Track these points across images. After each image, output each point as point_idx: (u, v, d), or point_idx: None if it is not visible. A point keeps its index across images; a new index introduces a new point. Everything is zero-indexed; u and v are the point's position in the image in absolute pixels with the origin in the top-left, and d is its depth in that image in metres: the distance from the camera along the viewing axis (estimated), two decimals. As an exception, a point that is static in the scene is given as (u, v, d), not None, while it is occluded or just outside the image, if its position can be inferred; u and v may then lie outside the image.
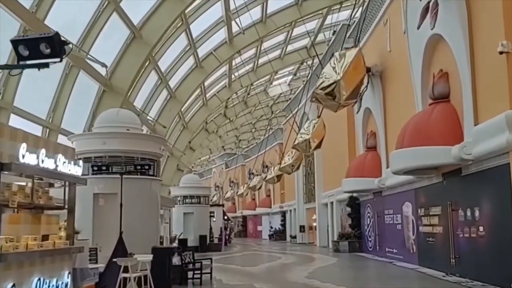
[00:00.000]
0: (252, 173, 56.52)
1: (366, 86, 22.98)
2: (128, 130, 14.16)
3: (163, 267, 13.14)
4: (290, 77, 47.24)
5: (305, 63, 40.93)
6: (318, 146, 24.05)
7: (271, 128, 54.42)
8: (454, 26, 14.00)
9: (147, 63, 21.98)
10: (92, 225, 13.36)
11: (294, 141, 24.67)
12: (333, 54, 15.34)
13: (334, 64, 14.57)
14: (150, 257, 12.28)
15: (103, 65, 16.78)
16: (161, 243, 23.19)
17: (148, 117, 26.09)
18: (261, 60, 37.24)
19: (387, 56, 22.46)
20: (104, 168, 13.49)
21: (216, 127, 49.91)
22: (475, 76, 13.32)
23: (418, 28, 16.62)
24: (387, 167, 21.72)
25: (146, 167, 13.32)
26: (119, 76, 19.88)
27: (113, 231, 13.26)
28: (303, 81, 39.68)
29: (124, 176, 13.12)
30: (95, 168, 13.49)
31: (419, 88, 17.49)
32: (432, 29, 15.46)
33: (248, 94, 45.93)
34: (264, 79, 42.43)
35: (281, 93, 50.10)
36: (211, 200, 68.54)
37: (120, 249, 13.05)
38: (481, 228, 13.21)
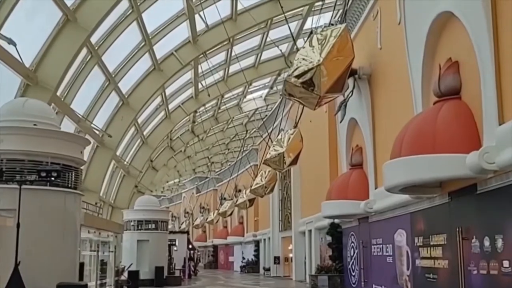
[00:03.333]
0: (224, 198, 54.49)
1: (352, 92, 20.60)
2: (35, 125, 10.98)
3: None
4: (266, 90, 44.65)
5: (282, 75, 38.84)
6: (294, 162, 21.17)
7: (245, 150, 52.10)
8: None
9: (84, 53, 19.42)
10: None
11: (265, 155, 21.78)
12: (311, 32, 12.41)
13: (314, 44, 11.68)
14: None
15: (10, 41, 13.56)
16: (103, 276, 19.98)
17: (92, 125, 23.02)
18: (232, 68, 34.66)
19: (377, 55, 19.99)
20: (-2, 174, 10.32)
21: (183, 145, 47.02)
22: (500, 62, 10.50)
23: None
24: (376, 188, 19.22)
25: (54, 174, 10.11)
26: (46, 69, 17.21)
27: (6, 260, 10.11)
28: (280, 95, 37.51)
29: (24, 186, 9.96)
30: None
31: (418, 86, 14.81)
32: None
33: (219, 108, 43.22)
34: (236, 91, 39.79)
35: (256, 109, 47.50)
36: (179, 227, 66.30)
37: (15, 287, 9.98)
38: (505, 263, 10.26)
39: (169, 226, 72.09)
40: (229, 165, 60.55)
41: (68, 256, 11.05)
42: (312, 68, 11.57)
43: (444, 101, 12.65)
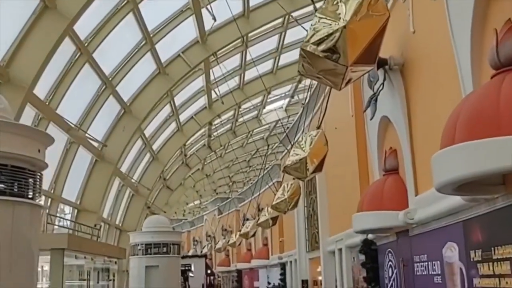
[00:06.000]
0: (247, 219, 52.30)
1: (382, 85, 18.19)
2: (-27, 114, 8.61)
3: None
4: (287, 100, 42.48)
5: (303, 82, 36.84)
6: (319, 168, 18.52)
7: (268, 166, 49.94)
8: None
9: (72, 50, 18.80)
10: None
11: (285, 162, 19.29)
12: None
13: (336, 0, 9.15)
14: None
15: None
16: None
17: (87, 135, 20.88)
18: (248, 75, 33.16)
19: (409, 40, 17.66)
20: None
21: (199, 162, 44.88)
22: None
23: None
24: (416, 195, 16.62)
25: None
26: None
27: None
28: (302, 104, 35.36)
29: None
30: None
31: (466, 66, 12.33)
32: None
33: (236, 120, 41.19)
34: (254, 101, 37.76)
35: (277, 121, 45.43)
36: (201, 251, 64.04)
37: None
38: None
39: (191, 251, 70.50)
40: (251, 183, 58.48)
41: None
42: (335, 31, 9.05)
43: (506, 72, 10.08)
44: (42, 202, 9.66)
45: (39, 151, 9.29)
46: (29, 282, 8.77)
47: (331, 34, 9.11)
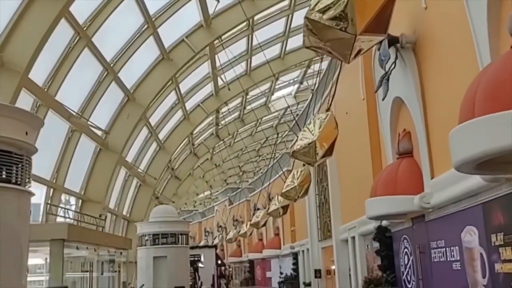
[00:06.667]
0: (258, 208, 51.83)
1: (394, 63, 17.51)
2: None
3: None
4: (296, 86, 41.68)
5: (312, 66, 36.15)
6: (328, 153, 17.80)
7: (277, 155, 49.31)
8: None
9: (70, 35, 18.00)
10: None
11: (293, 147, 18.61)
12: None
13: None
14: None
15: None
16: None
17: (89, 123, 20.30)
18: (255, 61, 32.73)
19: (422, 17, 17.03)
20: None
21: (207, 151, 44.25)
22: None
23: None
24: (432, 178, 15.93)
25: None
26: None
27: None
28: (311, 90, 34.67)
29: None
30: None
31: (484, 39, 11.66)
32: None
33: (244, 108, 40.51)
34: (262, 88, 37.02)
35: (286, 108, 44.70)
36: (212, 242, 63.67)
37: None
38: None
39: (202, 242, 70.16)
40: (261, 173, 57.90)
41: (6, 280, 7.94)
42: None
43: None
44: (31, 189, 9.00)
45: (26, 133, 8.70)
46: (17, 277, 8.17)
47: (337, 0, 8.42)
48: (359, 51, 9.41)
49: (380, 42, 17.46)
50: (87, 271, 15.07)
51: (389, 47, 17.27)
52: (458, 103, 11.38)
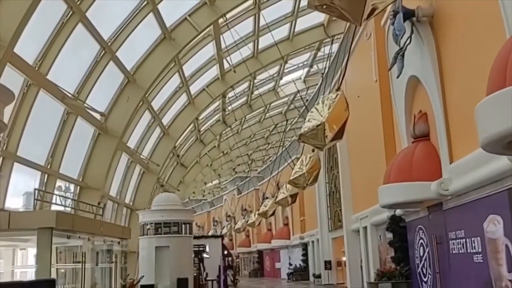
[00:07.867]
0: (266, 198, 51.29)
1: (410, 38, 16.59)
2: None
3: None
4: (305, 70, 40.71)
5: (322, 49, 35.24)
6: (339, 135, 16.88)
7: (287, 143, 48.51)
8: None
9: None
10: None
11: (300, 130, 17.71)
12: None
13: None
14: None
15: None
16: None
17: (86, 105, 19.45)
18: (262, 43, 31.68)
19: None
20: None
21: (214, 138, 43.45)
22: None
23: None
24: (451, 162, 15.09)
25: None
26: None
27: None
28: (322, 74, 33.74)
29: None
30: None
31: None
32: None
33: (252, 93, 39.64)
34: (271, 71, 36.10)
35: (295, 93, 43.81)
36: (221, 232, 63.15)
37: None
38: None
39: (211, 231, 69.61)
40: (271, 161, 57.19)
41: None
42: None
43: None
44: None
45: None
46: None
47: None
48: (373, 10, 8.39)
49: (395, 12, 16.45)
50: (79, 262, 14.22)
51: (404, 21, 16.35)
52: (480, 81, 10.41)
